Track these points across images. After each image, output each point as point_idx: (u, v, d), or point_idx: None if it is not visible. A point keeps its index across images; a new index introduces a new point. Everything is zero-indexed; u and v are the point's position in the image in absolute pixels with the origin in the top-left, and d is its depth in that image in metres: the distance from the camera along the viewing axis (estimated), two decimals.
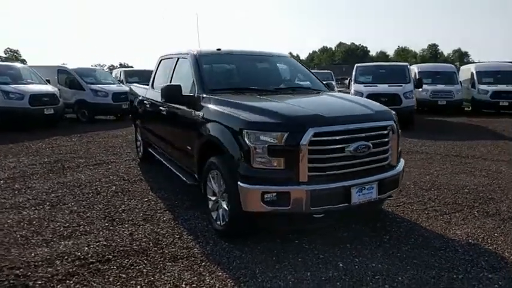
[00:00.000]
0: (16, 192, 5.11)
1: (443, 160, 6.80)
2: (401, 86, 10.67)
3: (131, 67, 31.75)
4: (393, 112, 3.74)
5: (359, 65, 12.64)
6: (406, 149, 7.52)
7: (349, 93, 10.59)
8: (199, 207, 4.38)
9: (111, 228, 3.89)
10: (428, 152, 7.57)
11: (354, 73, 12.13)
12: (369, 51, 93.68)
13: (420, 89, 13.34)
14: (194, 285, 2.82)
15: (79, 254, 3.30)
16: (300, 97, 4.15)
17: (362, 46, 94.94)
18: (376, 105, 3.73)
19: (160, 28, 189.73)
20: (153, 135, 5.71)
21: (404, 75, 11.31)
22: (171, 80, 4.93)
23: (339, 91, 6.18)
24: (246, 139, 3.11)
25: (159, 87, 5.42)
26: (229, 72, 4.71)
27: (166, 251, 3.36)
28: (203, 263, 3.13)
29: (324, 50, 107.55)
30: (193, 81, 4.20)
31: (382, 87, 10.77)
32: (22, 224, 4.00)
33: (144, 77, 17.31)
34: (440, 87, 14.53)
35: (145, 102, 5.93)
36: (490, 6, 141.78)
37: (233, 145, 3.23)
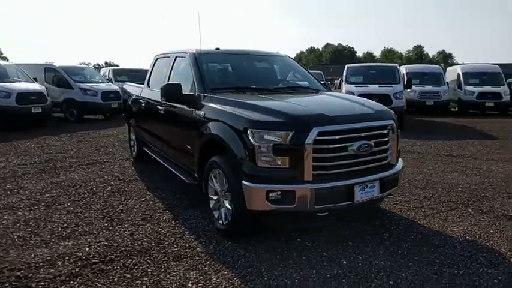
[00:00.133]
0: (8, 192, 5.01)
1: (435, 159, 6.93)
2: (392, 86, 10.83)
3: (117, 66, 31.30)
4: (392, 112, 3.80)
5: (350, 65, 12.77)
6: None
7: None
8: (199, 207, 4.37)
9: (110, 228, 3.85)
10: (420, 151, 7.70)
11: (344, 73, 12.24)
12: (355, 52, 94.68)
13: (408, 90, 13.56)
14: (201, 284, 2.81)
15: (80, 254, 3.25)
16: (301, 96, 4.18)
17: (349, 47, 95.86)
18: (376, 105, 3.79)
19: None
20: (149, 135, 5.67)
21: (394, 76, 11.48)
22: (168, 79, 4.89)
23: None
24: (250, 138, 3.12)
25: (155, 86, 5.42)
26: (228, 72, 4.71)
27: (169, 251, 3.34)
28: (208, 262, 3.13)
29: (311, 50, 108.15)
30: (194, 81, 4.18)
31: (373, 88, 10.91)
32: (18, 224, 3.92)
33: (132, 76, 17.18)
34: (428, 88, 14.80)
35: (140, 101, 5.88)
36: (473, 9, 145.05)
37: (237, 144, 3.23)
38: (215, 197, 3.73)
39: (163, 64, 5.34)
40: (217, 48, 4.76)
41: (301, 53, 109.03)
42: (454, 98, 15.75)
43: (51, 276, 2.89)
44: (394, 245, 3.46)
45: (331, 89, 5.08)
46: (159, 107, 4.92)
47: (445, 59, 72.52)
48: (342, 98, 4.01)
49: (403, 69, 16.33)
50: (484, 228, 3.83)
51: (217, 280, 2.86)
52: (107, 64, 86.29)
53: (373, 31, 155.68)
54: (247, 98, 3.74)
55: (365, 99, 3.98)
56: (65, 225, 3.92)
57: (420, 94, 14.61)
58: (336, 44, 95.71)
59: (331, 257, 3.22)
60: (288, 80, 4.83)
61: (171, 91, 4.06)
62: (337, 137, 3.13)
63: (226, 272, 2.97)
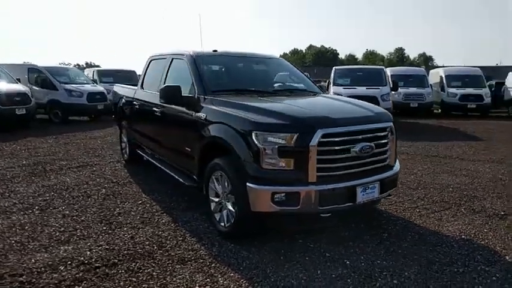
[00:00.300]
0: None
1: (423, 160, 7.10)
2: (379, 88, 11.04)
3: (98, 66, 30.65)
4: (390, 114, 3.89)
5: (337, 67, 12.95)
6: None
7: None
8: (197, 209, 4.37)
9: (110, 232, 3.80)
10: (409, 152, 7.88)
11: (332, 75, 12.41)
12: (338, 54, 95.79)
13: (393, 92, 13.83)
14: (208, 286, 2.82)
15: (82, 258, 3.21)
16: (301, 99, 4.23)
17: (332, 49, 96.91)
18: (375, 107, 3.87)
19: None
20: (144, 137, 5.61)
21: (381, 78, 11.71)
22: (165, 81, 4.87)
23: None
24: (255, 140, 3.14)
25: (150, 87, 5.38)
26: (227, 74, 4.71)
27: (172, 254, 3.32)
28: (213, 265, 3.13)
29: (295, 52, 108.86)
30: (193, 83, 4.17)
31: (361, 90, 11.09)
32: (14, 229, 3.83)
33: (118, 77, 16.98)
34: (412, 90, 15.13)
35: (134, 103, 5.82)
36: (453, 12, 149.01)
37: (241, 146, 3.25)
38: (216, 199, 3.73)
39: (158, 66, 5.30)
40: (215, 50, 4.77)
41: (285, 54, 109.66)
42: (437, 100, 16.16)
43: (56, 281, 2.84)
44: (393, 244, 3.54)
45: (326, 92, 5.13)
46: (155, 109, 4.88)
47: (426, 61, 74.23)
48: (341, 101, 4.08)
49: (387, 72, 16.66)
50: (477, 227, 3.95)
51: (224, 282, 2.87)
52: (88, 64, 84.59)
53: (355, 33, 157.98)
54: (249, 100, 3.76)
55: (363, 101, 4.05)
56: (63, 229, 3.85)
57: (405, 96, 14.93)
58: (319, 45, 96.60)
59: (334, 258, 3.27)
60: (285, 83, 4.88)
61: (171, 93, 4.04)
62: (340, 139, 3.19)
63: (232, 274, 2.98)
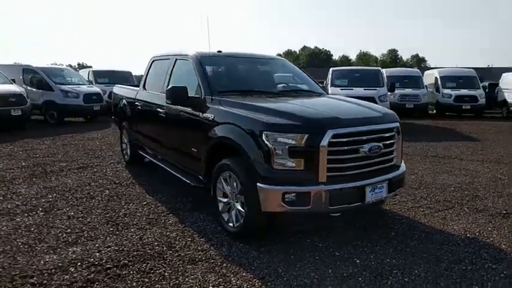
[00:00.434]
0: (1, 198, 4.83)
1: (423, 160, 7.18)
2: (376, 89, 11.13)
3: (90, 67, 30.35)
4: (396, 115, 3.93)
5: (335, 68, 13.03)
6: None
7: None
8: (203, 209, 4.37)
9: (117, 233, 3.78)
10: (408, 152, 7.94)
11: (330, 77, 12.47)
12: (332, 55, 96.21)
13: (389, 93, 13.95)
14: (221, 286, 2.82)
15: (92, 260, 3.19)
16: (307, 99, 4.25)
17: (325, 50, 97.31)
18: (382, 108, 3.91)
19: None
20: (146, 138, 5.60)
21: (378, 79, 11.80)
22: (169, 82, 4.86)
23: None
24: (266, 141, 3.15)
25: (153, 88, 5.38)
26: (232, 75, 4.72)
27: (182, 254, 3.32)
28: (224, 265, 3.14)
29: (289, 53, 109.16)
30: (199, 83, 4.17)
31: (358, 91, 11.15)
32: (20, 231, 3.80)
33: (114, 78, 16.86)
34: (407, 91, 15.25)
35: (136, 104, 5.80)
36: (444, 15, 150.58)
37: (251, 147, 3.26)
38: (224, 200, 3.74)
39: (162, 66, 5.29)
40: (219, 51, 4.77)
41: (278, 55, 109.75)
42: (432, 101, 16.31)
43: (68, 283, 2.83)
44: (401, 243, 3.58)
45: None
46: (159, 109, 4.87)
47: (419, 62, 74.95)
48: (347, 101, 4.12)
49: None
50: (482, 226, 4.01)
51: (238, 282, 2.88)
52: (79, 65, 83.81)
53: (348, 34, 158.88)
54: (257, 101, 3.77)
55: (369, 102, 4.09)
56: (69, 230, 3.83)
57: (400, 97, 15.04)
58: (312, 46, 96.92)
59: (344, 257, 3.29)
60: (289, 83, 4.90)
61: (177, 94, 4.04)
62: (350, 139, 3.22)
63: (244, 274, 2.99)
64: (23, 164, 6.71)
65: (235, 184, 3.53)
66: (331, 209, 3.21)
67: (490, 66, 39.69)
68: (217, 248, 3.44)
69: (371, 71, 13.03)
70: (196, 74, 4.26)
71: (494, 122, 14.27)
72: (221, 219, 3.78)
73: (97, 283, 2.84)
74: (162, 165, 5.12)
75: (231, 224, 3.64)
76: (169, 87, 4.08)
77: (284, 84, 4.77)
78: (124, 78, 16.75)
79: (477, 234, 3.82)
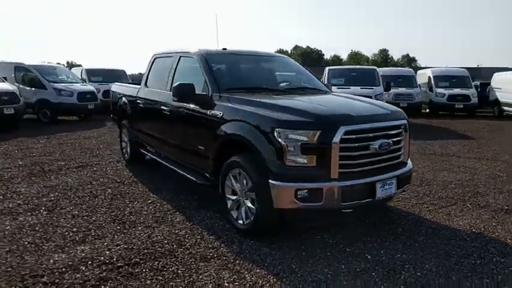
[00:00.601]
0: (1, 197, 4.75)
1: (422, 158, 7.25)
2: (373, 88, 11.21)
3: (79, 66, 29.80)
4: (403, 112, 3.97)
5: (331, 67, 13.09)
6: None
7: None
8: (210, 207, 4.35)
9: (124, 231, 3.75)
10: None
11: (326, 76, 12.53)
12: (323, 54, 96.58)
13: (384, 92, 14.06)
14: (237, 283, 2.81)
15: (102, 258, 3.16)
16: (315, 97, 4.25)
17: (317, 49, 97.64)
18: (389, 106, 3.95)
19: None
20: (149, 136, 5.55)
21: (375, 78, 11.89)
22: (173, 79, 4.83)
23: None
24: (278, 138, 3.16)
25: (155, 86, 5.34)
26: (238, 72, 4.70)
27: (193, 252, 3.31)
28: (237, 261, 3.13)
29: (280, 52, 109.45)
30: (205, 81, 4.15)
31: (355, 90, 11.19)
32: (24, 230, 3.74)
33: (107, 76, 16.70)
34: (401, 90, 15.39)
35: (138, 101, 5.75)
36: (434, 15, 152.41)
37: (263, 144, 3.26)
38: (233, 197, 3.73)
39: (164, 64, 5.25)
40: (224, 49, 4.76)
41: None
42: (425, 100, 16.49)
43: (80, 281, 2.79)
44: (409, 238, 3.62)
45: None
46: (163, 107, 4.84)
47: (409, 62, 75.68)
48: (355, 99, 4.14)
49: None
50: (486, 222, 4.07)
51: (252, 278, 2.87)
52: (69, 63, 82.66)
53: (340, 33, 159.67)
54: (266, 98, 3.77)
55: (375, 100, 4.12)
56: (75, 229, 3.78)
57: (395, 96, 15.16)
58: (304, 46, 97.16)
59: (355, 252, 3.31)
60: (295, 81, 4.91)
61: (184, 91, 4.02)
62: (361, 135, 3.24)
63: (258, 270, 2.99)
64: (20, 163, 6.61)
65: (245, 181, 3.52)
66: (343, 205, 3.22)
67: (480, 66, 40.26)
68: (228, 246, 3.43)
69: (367, 70, 13.13)
70: (202, 72, 4.24)
71: (487, 120, 14.49)
72: (230, 217, 3.77)
73: (110, 281, 2.81)
74: (165, 163, 5.08)
75: (240, 222, 3.63)
76: (176, 84, 4.05)
77: (289, 82, 4.77)
78: (118, 76, 16.58)
79: (482, 229, 3.88)
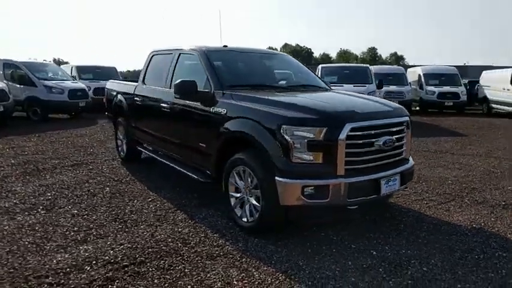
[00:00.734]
0: None
1: (417, 155, 7.33)
2: (365, 86, 11.29)
3: (66, 63, 29.30)
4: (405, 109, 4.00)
5: (324, 65, 13.13)
6: None
7: None
8: (211, 205, 4.33)
9: (126, 230, 3.70)
10: None
11: (319, 73, 12.55)
12: (312, 52, 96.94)
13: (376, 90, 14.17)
14: (245, 281, 2.80)
15: (107, 258, 3.11)
16: (317, 94, 4.26)
17: (306, 48, 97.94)
18: (391, 103, 3.97)
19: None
20: (148, 134, 5.48)
21: (367, 76, 11.97)
22: (172, 76, 4.78)
23: None
24: (284, 135, 3.15)
25: (154, 83, 5.28)
26: (240, 69, 4.67)
27: (199, 250, 3.28)
28: (243, 259, 3.12)
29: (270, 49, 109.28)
30: (207, 78, 4.12)
31: (348, 87, 11.25)
32: (23, 230, 3.66)
33: (98, 73, 16.48)
34: (392, 88, 15.51)
35: (135, 99, 5.67)
36: (421, 13, 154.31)
37: (269, 141, 3.25)
38: (237, 195, 3.71)
39: (163, 61, 5.19)
40: (225, 46, 4.73)
41: None
42: (415, 98, 16.68)
43: (87, 281, 2.75)
44: (412, 234, 3.65)
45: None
46: (163, 104, 4.78)
47: (397, 60, 76.52)
48: (357, 96, 4.15)
49: None
50: (485, 217, 4.13)
51: (261, 276, 2.86)
52: (55, 60, 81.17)
53: (328, 32, 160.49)
54: (270, 95, 3.75)
55: (376, 97, 4.14)
56: (76, 228, 3.72)
57: (386, 94, 15.20)
58: (294, 44, 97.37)
59: (360, 249, 3.33)
60: (296, 78, 4.90)
61: (186, 88, 3.98)
62: (366, 132, 3.25)
63: (266, 268, 2.98)
64: (12, 161, 6.47)
65: (249, 179, 3.50)
66: (348, 202, 3.24)
67: (466, 64, 40.91)
68: (233, 243, 3.41)
69: (360, 68, 13.22)
70: (204, 68, 4.20)
71: (476, 118, 14.72)
72: (233, 215, 3.75)
73: (117, 281, 2.77)
74: (164, 161, 5.03)
75: (244, 219, 3.62)
76: (178, 81, 4.00)
77: (290, 79, 4.76)
78: (108, 74, 16.36)
79: (482, 224, 3.94)
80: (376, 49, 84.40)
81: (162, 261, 3.07)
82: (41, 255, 3.15)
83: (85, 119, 12.67)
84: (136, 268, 2.96)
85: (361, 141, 3.24)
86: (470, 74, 25.33)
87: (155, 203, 4.48)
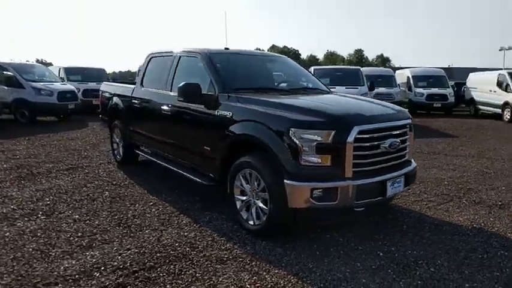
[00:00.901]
0: None
1: None
2: (358, 88, 11.43)
3: (50, 64, 28.70)
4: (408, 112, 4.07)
5: (316, 67, 13.24)
6: None
7: None
8: (214, 208, 4.32)
9: (132, 235, 3.66)
10: None
11: None
12: (300, 54, 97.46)
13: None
14: (258, 284, 2.81)
15: (115, 263, 3.07)
16: (320, 96, 4.29)
17: (294, 49, 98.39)
18: (394, 106, 4.03)
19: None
20: (147, 137, 5.43)
21: (359, 78, 12.12)
22: (173, 79, 4.76)
23: None
24: (293, 137, 3.17)
25: (152, 85, 5.24)
26: (243, 72, 4.65)
27: (207, 254, 3.27)
28: (253, 263, 3.12)
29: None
30: (211, 81, 4.11)
31: (340, 89, 11.36)
32: (25, 236, 3.59)
33: (86, 75, 16.26)
34: (382, 89, 15.67)
35: (134, 101, 5.62)
36: (404, 14, 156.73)
37: (278, 144, 3.26)
38: (243, 198, 3.71)
39: (162, 63, 5.16)
40: (227, 48, 4.73)
41: None
42: (404, 100, 16.93)
43: None
44: (416, 235, 3.71)
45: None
46: (164, 107, 4.75)
47: (384, 62, 77.58)
48: (360, 99, 4.22)
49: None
50: (484, 217, 4.23)
51: (273, 279, 2.87)
52: (38, 61, 79.56)
53: (315, 33, 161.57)
54: (275, 98, 3.77)
55: (378, 100, 4.20)
56: (80, 234, 3.66)
57: (375, 96, 15.45)
58: (281, 45, 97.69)
59: (367, 250, 3.37)
60: (296, 81, 4.94)
61: (190, 91, 3.96)
62: (374, 135, 3.30)
63: (277, 271, 2.99)
64: (5, 165, 6.33)
65: (256, 182, 3.51)
66: (356, 204, 3.28)
67: (451, 66, 41.78)
68: (241, 247, 3.41)
69: (352, 70, 13.37)
70: (207, 71, 4.19)
71: (464, 119, 15.05)
72: (239, 218, 3.75)
73: (129, 287, 2.74)
74: (165, 164, 4.99)
75: (251, 222, 3.62)
76: (181, 84, 3.98)
77: (291, 82, 4.79)
78: (97, 75, 16.19)
79: (482, 224, 4.03)
80: (363, 51, 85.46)
81: (172, 266, 3.05)
82: (47, 262, 3.09)
83: (75, 122, 12.47)
84: (146, 273, 2.93)
85: (368, 144, 3.28)
86: (455, 75, 25.87)
87: (157, 206, 4.45)
